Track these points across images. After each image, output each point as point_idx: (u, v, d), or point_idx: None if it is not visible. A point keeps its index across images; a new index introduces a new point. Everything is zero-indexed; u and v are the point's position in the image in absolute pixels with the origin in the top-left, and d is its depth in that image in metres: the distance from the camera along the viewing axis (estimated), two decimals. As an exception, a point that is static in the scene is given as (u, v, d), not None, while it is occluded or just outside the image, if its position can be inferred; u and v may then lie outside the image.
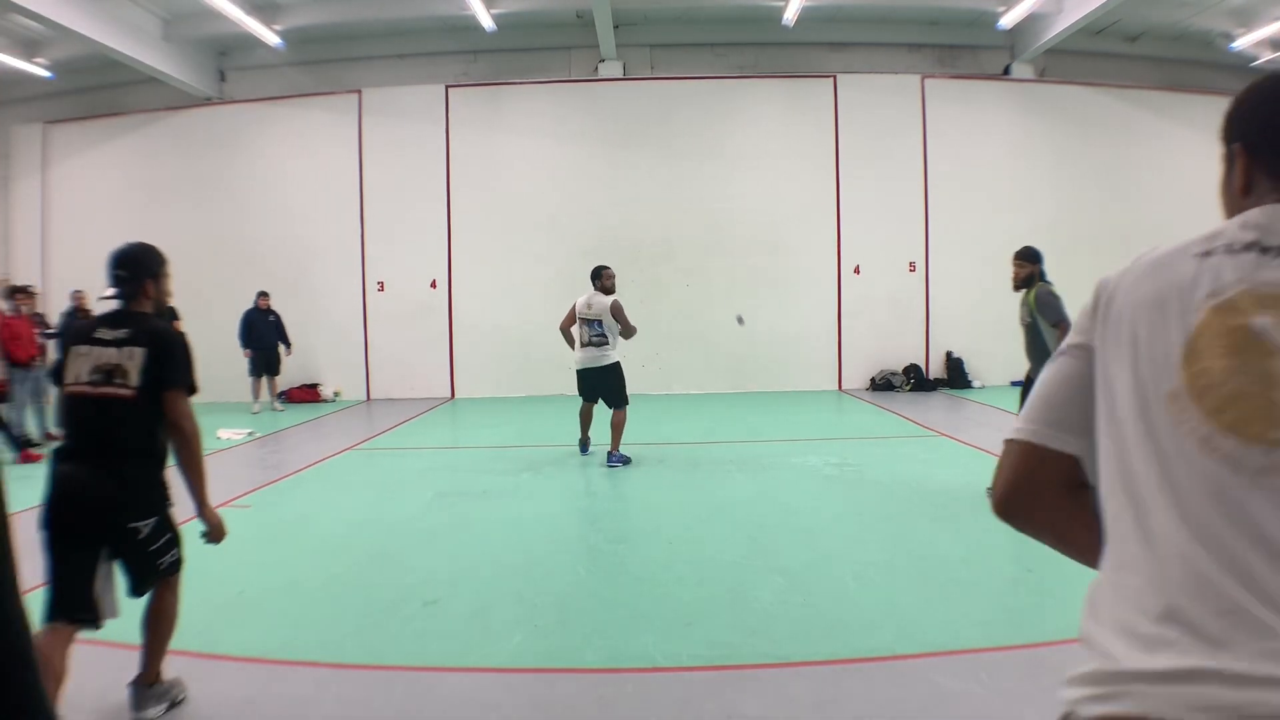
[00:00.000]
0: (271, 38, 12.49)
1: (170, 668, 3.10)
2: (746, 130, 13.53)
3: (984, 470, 6.95)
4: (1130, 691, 0.83)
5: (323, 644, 3.56)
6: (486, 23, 12.31)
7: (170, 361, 2.87)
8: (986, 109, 13.70)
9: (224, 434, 9.61)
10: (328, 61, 13.67)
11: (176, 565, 3.00)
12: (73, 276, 12.19)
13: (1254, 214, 0.95)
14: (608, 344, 7.49)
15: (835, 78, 13.48)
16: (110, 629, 3.68)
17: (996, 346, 13.35)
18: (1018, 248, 5.80)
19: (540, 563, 4.80)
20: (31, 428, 9.21)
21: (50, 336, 9.83)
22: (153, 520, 2.85)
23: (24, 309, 9.26)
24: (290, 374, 12.72)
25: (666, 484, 6.66)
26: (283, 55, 13.19)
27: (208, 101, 13.79)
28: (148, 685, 3.00)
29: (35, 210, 14.03)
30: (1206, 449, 0.86)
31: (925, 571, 4.55)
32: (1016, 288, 5.70)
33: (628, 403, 7.55)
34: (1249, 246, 0.92)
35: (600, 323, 7.46)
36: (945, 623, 3.66)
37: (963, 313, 13.07)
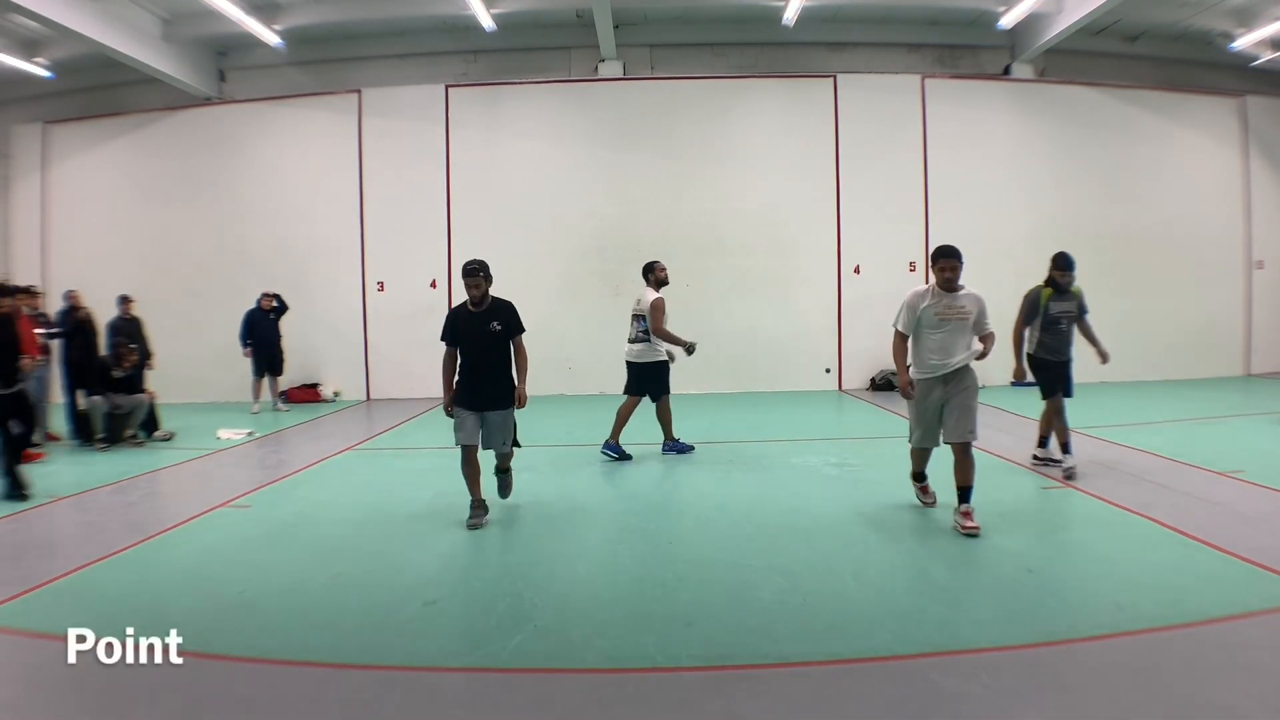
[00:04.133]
0: (271, 38, 12.49)
1: (168, 669, 3.11)
2: (746, 130, 13.53)
3: (984, 470, 6.94)
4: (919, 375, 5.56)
5: (323, 644, 3.56)
6: (486, 23, 12.31)
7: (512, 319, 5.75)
8: (986, 109, 13.69)
9: (224, 434, 9.59)
10: (328, 61, 13.68)
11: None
12: (73, 276, 12.18)
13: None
14: (649, 342, 7.57)
15: (835, 78, 13.48)
16: (104, 629, 3.70)
17: (997, 346, 13.33)
18: (1053, 248, 7.06)
19: (540, 563, 4.80)
20: (31, 428, 9.18)
21: (51, 336, 9.79)
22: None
23: (25, 309, 9.22)
24: (290, 374, 12.71)
25: (666, 484, 6.65)
26: (283, 55, 13.19)
27: (208, 101, 13.79)
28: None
29: (35, 210, 14.02)
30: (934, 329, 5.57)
31: (925, 571, 4.55)
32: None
33: (640, 396, 7.61)
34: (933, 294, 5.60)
35: (645, 318, 7.58)
36: (945, 623, 3.66)
37: (963, 313, 13.03)
